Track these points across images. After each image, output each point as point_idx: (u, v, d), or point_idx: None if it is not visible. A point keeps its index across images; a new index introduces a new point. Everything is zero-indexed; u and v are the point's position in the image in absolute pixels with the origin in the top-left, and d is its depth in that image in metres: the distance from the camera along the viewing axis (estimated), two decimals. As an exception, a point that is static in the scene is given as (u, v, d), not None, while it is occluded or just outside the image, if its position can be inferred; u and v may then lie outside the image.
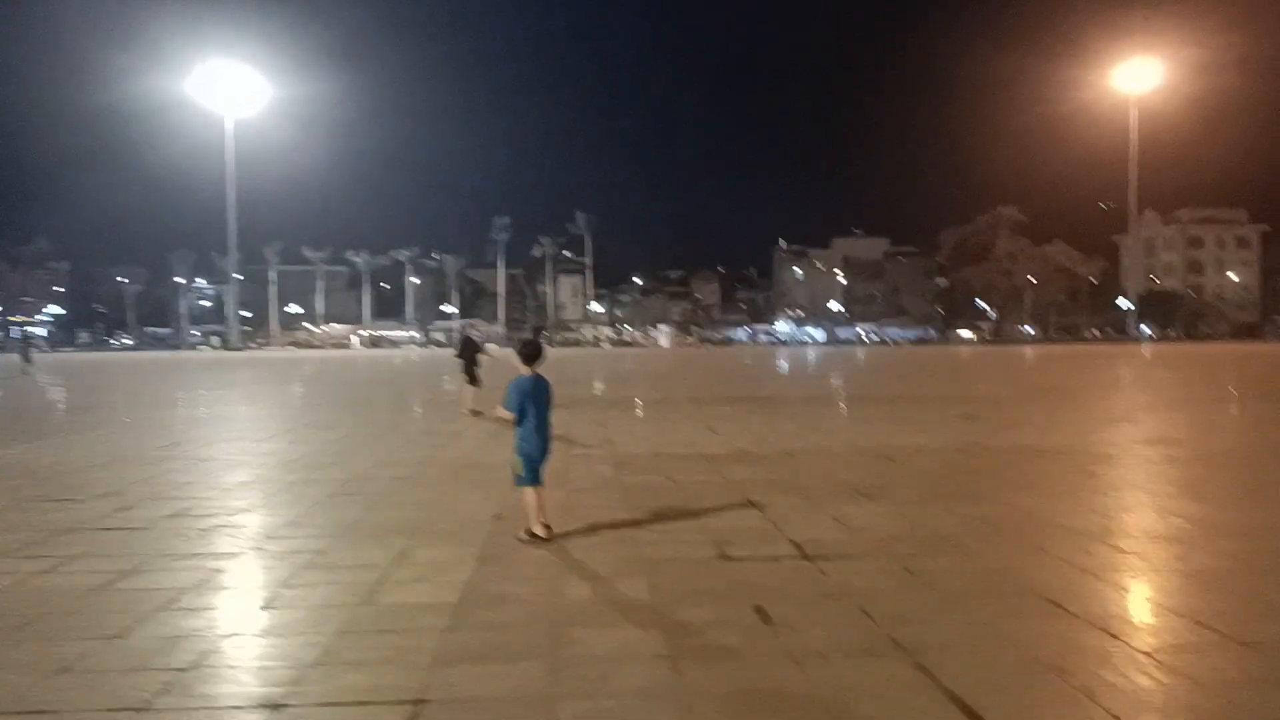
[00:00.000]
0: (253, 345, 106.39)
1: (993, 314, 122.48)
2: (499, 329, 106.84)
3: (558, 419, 7.22)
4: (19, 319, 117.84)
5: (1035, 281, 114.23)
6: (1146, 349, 70.63)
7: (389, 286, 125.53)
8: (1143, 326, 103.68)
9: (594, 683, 3.84)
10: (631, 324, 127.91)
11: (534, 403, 6.37)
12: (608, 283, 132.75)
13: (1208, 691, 3.74)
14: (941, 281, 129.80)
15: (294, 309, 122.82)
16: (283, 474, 9.71)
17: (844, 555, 5.91)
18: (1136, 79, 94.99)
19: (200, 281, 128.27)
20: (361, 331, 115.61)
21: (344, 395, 24.86)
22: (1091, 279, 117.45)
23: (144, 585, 5.43)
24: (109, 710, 3.64)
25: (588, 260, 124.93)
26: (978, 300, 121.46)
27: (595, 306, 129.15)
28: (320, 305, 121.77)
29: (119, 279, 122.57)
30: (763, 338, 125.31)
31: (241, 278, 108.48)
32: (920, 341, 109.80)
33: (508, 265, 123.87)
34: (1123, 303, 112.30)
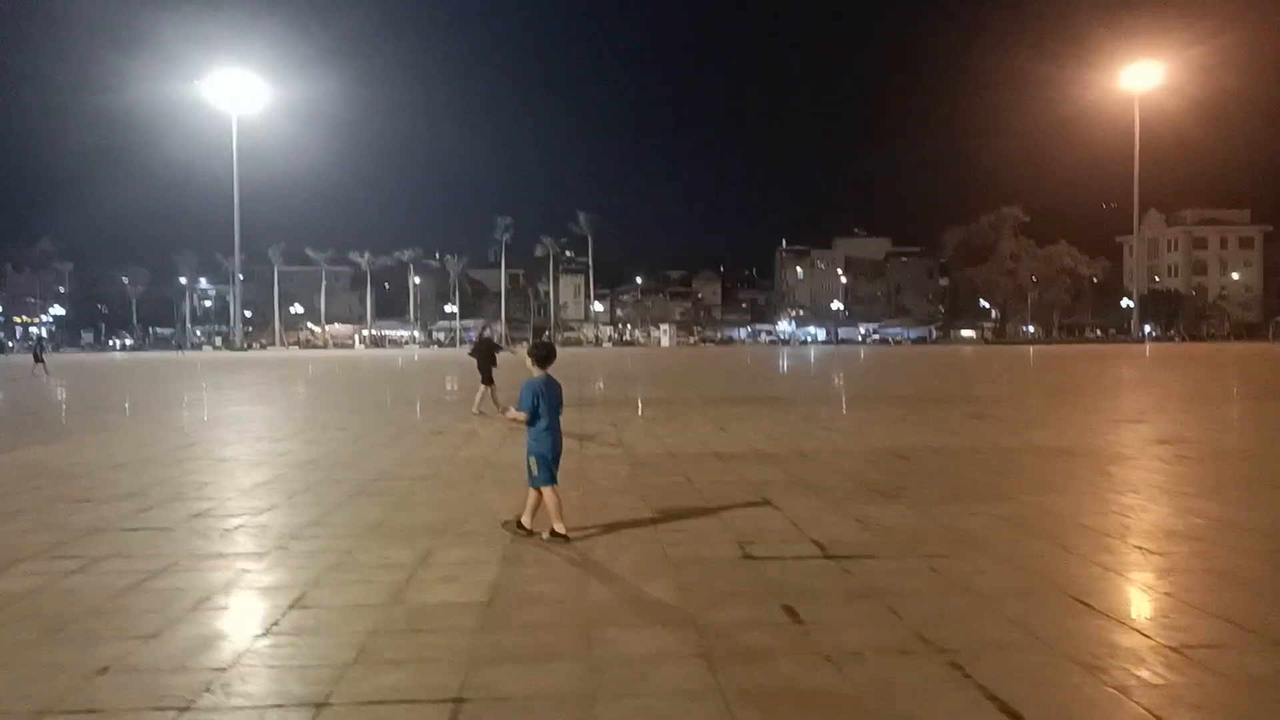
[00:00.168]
0: (256, 346, 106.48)
1: (995, 314, 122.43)
2: (499, 329, 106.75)
3: (568, 420, 7.26)
4: (21, 319, 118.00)
5: (1038, 281, 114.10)
6: (1149, 349, 70.59)
7: (391, 287, 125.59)
8: (1146, 327, 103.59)
9: (632, 682, 3.87)
10: (633, 324, 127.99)
11: (546, 403, 6.43)
12: (609, 282, 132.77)
13: (1243, 689, 3.76)
14: (944, 281, 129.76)
15: (297, 309, 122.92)
16: (301, 474, 9.75)
17: (868, 555, 5.93)
18: (1140, 79, 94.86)
19: (203, 282, 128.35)
20: (364, 332, 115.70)
21: (352, 395, 24.90)
22: (1094, 279, 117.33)
23: (174, 585, 5.47)
24: (153, 709, 3.67)
25: (589, 260, 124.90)
26: (981, 300, 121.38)
27: (597, 306, 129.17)
28: (323, 305, 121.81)
29: (123, 280, 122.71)
30: (764, 337, 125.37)
31: (243, 278, 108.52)
32: (921, 341, 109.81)
33: (509, 265, 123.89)
34: (1126, 303, 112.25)
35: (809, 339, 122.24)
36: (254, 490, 8.79)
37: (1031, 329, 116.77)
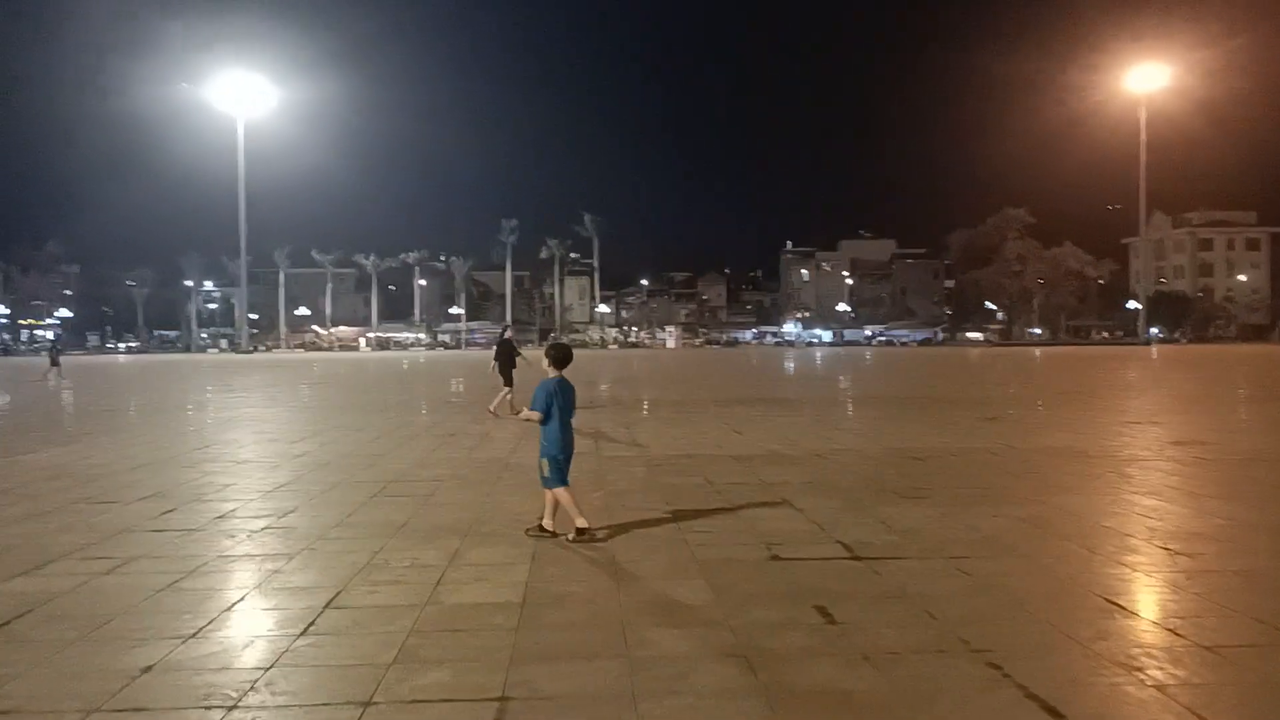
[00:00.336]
0: (261, 348, 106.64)
1: (1001, 316, 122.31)
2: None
3: (581, 422, 7.31)
4: (28, 321, 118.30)
5: (1044, 283, 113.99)
6: (1155, 351, 70.49)
7: (396, 289, 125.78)
8: (1152, 329, 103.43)
9: (673, 681, 3.89)
10: (638, 326, 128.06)
11: (559, 404, 6.50)
12: (615, 284, 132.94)
13: (1281, 689, 3.79)
14: (949, 283, 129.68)
15: (302, 311, 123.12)
16: (322, 476, 9.79)
17: (895, 556, 5.96)
18: (1146, 80, 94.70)
19: (208, 284, 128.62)
20: (370, 334, 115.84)
21: (362, 398, 24.95)
22: (1100, 281, 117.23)
23: (207, 585, 5.51)
24: (200, 708, 3.70)
25: (595, 262, 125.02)
26: (986, 302, 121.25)
27: (602, 308, 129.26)
28: (328, 308, 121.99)
29: (128, 282, 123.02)
30: (770, 339, 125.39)
31: (248, 280, 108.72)
32: (927, 343, 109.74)
33: (515, 267, 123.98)
34: (1132, 305, 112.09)
35: (814, 341, 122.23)
36: (275, 492, 8.83)
37: (1037, 331, 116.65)
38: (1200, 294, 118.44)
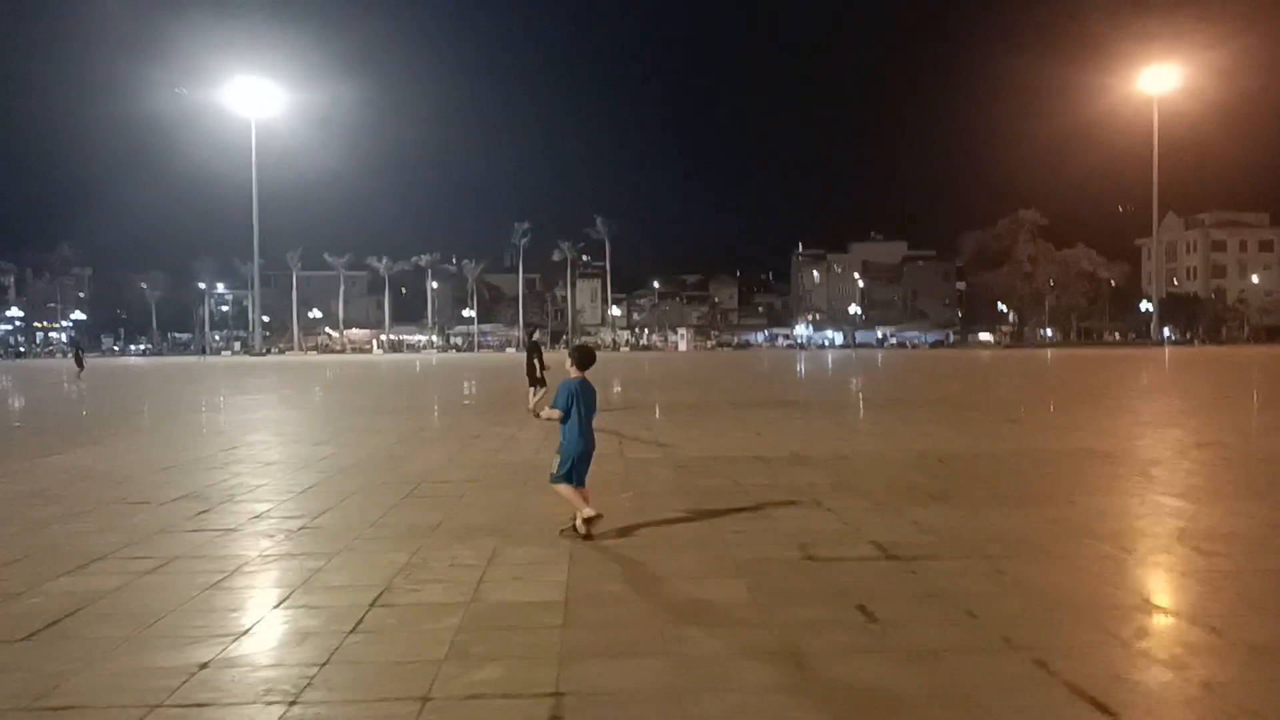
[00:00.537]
0: (274, 351, 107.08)
1: (1012, 318, 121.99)
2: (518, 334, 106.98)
3: (602, 424, 7.38)
4: (42, 324, 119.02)
5: (1055, 285, 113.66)
6: (1168, 352, 70.21)
7: (409, 291, 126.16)
8: (1164, 330, 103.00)
9: (721, 678, 3.95)
10: (650, 328, 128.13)
11: (579, 405, 6.60)
12: (626, 287, 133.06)
13: (1327, 688, 3.82)
14: (960, 285, 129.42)
15: (315, 314, 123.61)
16: (351, 477, 9.88)
17: (930, 557, 6.00)
18: (1158, 82, 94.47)
19: (221, 287, 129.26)
20: (382, 336, 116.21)
21: (379, 399, 25.08)
22: (1112, 282, 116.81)
23: (251, 584, 5.59)
24: (261, 704, 3.77)
25: (606, 264, 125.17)
26: (998, 304, 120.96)
27: (614, 310, 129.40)
28: (341, 310, 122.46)
29: (141, 285, 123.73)
30: (781, 341, 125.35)
31: (261, 283, 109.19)
32: (939, 345, 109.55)
33: (527, 270, 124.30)
34: (1144, 306, 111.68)
35: (826, 343, 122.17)
36: (307, 493, 8.92)
37: (1049, 333, 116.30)
38: (1213, 295, 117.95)
